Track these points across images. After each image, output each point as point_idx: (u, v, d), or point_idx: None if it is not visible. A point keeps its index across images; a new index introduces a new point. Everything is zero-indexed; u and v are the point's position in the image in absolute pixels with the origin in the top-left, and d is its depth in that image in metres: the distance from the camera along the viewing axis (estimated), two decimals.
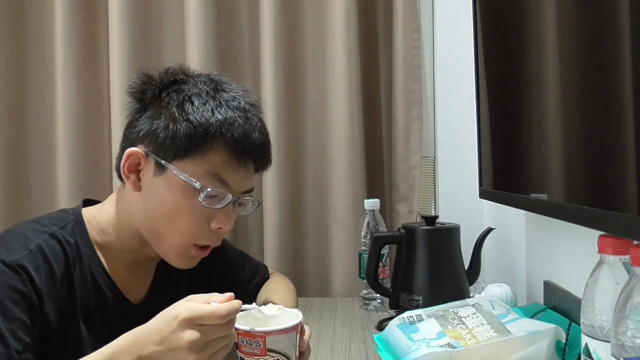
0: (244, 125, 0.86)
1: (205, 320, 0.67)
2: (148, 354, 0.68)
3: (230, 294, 0.71)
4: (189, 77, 0.89)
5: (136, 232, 0.88)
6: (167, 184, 0.84)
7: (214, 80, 0.90)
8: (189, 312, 0.67)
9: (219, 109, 0.85)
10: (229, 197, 0.85)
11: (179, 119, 0.83)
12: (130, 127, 0.89)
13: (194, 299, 0.70)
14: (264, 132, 0.92)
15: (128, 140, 0.88)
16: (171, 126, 0.83)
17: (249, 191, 0.91)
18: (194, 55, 1.51)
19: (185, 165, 0.83)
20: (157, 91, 0.87)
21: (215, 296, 0.71)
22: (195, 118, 0.83)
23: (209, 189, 0.83)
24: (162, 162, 0.84)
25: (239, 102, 0.87)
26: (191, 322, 0.67)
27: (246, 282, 1.14)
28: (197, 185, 0.83)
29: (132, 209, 0.88)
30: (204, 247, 0.89)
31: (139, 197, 0.87)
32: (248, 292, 1.11)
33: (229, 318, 0.69)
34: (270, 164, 0.95)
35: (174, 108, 0.84)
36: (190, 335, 0.67)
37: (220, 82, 0.90)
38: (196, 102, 0.84)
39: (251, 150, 0.87)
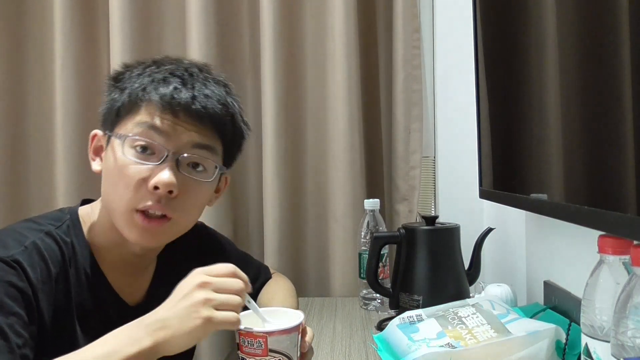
0: (176, 85, 0.82)
1: (215, 271, 0.71)
2: (156, 317, 0.70)
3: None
4: (158, 62, 0.88)
5: (112, 222, 0.86)
6: (112, 153, 0.84)
7: (176, 59, 0.89)
8: (200, 269, 0.72)
9: (154, 74, 0.84)
10: (164, 150, 0.81)
11: (115, 89, 0.86)
12: None
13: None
14: (214, 95, 0.85)
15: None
16: (110, 97, 0.86)
17: (200, 147, 0.83)
18: (195, 55, 1.51)
19: (120, 128, 0.84)
20: (119, 75, 0.89)
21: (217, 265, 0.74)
22: (127, 85, 0.85)
23: (130, 135, 0.81)
24: (107, 132, 0.85)
25: (177, 68, 0.85)
26: (201, 272, 0.71)
27: None
28: (119, 137, 0.82)
29: (102, 197, 0.87)
30: (147, 215, 0.82)
31: (102, 180, 0.87)
32: (251, 294, 1.11)
33: (236, 272, 0.73)
34: (238, 131, 0.90)
35: (112, 82, 0.87)
36: (200, 278, 0.70)
37: (181, 60, 0.89)
38: (135, 72, 0.86)
39: (181, 104, 0.81)
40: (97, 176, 0.89)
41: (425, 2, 1.62)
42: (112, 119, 0.85)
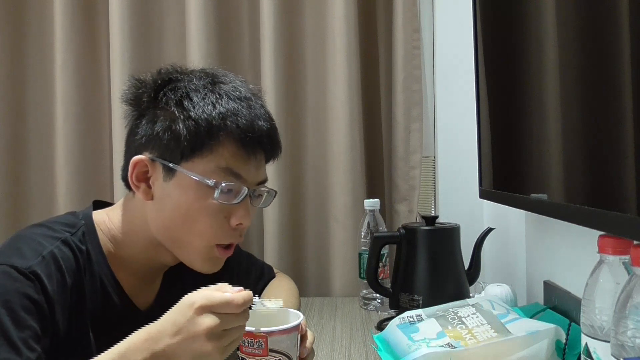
0: (248, 115, 0.83)
1: (222, 309, 0.66)
2: (163, 348, 0.66)
3: (239, 288, 0.70)
4: (183, 75, 0.87)
5: (153, 240, 0.86)
6: (179, 187, 0.82)
7: (210, 73, 0.87)
8: (205, 299, 0.66)
9: (219, 101, 0.82)
10: (245, 190, 0.83)
11: (180, 118, 0.80)
12: (131, 135, 0.86)
13: (206, 289, 0.69)
14: (269, 118, 0.88)
15: (131, 148, 0.86)
16: (173, 127, 0.81)
17: (263, 182, 0.89)
18: (195, 54, 1.51)
19: (195, 165, 0.81)
20: (153, 93, 0.84)
21: (225, 286, 0.70)
22: (196, 114, 0.80)
23: (223, 184, 0.81)
24: (170, 165, 0.81)
25: (239, 92, 0.85)
26: (207, 309, 0.66)
27: (252, 284, 1.12)
28: (211, 182, 0.80)
29: (148, 217, 0.85)
30: (227, 247, 0.86)
31: (153, 206, 0.84)
32: (254, 293, 1.11)
33: (245, 307, 0.68)
34: (280, 151, 0.92)
35: (173, 107, 0.81)
36: (208, 321, 0.65)
37: (216, 74, 0.87)
38: (195, 98, 0.82)
39: (259, 138, 0.84)
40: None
41: (425, 2, 1.62)
42: (178, 149, 0.81)
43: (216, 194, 0.81)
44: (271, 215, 1.52)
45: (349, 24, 1.50)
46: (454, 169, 1.58)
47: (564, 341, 0.82)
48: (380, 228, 1.34)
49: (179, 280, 0.95)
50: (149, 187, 0.84)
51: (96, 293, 0.84)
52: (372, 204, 1.36)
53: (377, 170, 1.63)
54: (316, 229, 1.56)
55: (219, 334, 0.66)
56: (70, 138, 1.59)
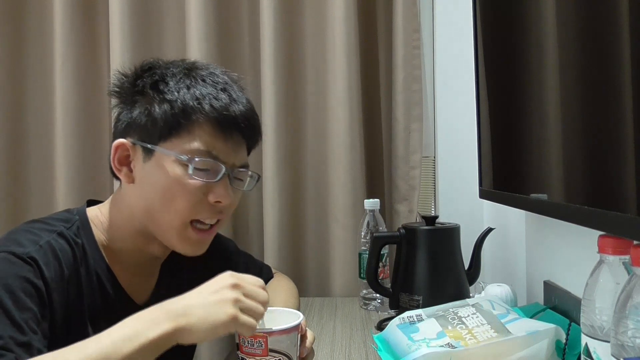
0: (224, 98, 0.86)
1: (247, 278, 0.73)
2: (181, 303, 0.70)
3: None
4: (162, 63, 0.90)
5: (140, 228, 0.88)
6: (157, 167, 0.84)
7: (188, 62, 0.91)
8: (232, 273, 0.73)
9: (194, 84, 0.85)
10: (222, 168, 0.85)
11: (156, 99, 0.84)
12: (115, 122, 0.91)
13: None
14: (247, 103, 0.90)
15: (115, 135, 0.90)
16: (149, 109, 0.84)
17: (245, 166, 0.91)
18: (194, 54, 1.51)
19: (173, 145, 0.84)
20: (132, 80, 0.89)
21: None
22: (172, 96, 0.84)
23: (196, 159, 0.83)
24: (149, 146, 0.84)
25: (215, 77, 0.88)
26: (234, 276, 0.72)
27: None
28: (184, 157, 0.83)
29: (132, 204, 0.88)
30: (204, 231, 0.88)
31: (134, 189, 0.87)
32: None
33: (264, 286, 0.75)
34: (260, 137, 0.94)
35: (149, 91, 0.85)
36: (233, 280, 0.71)
37: (195, 63, 0.91)
38: (170, 82, 0.85)
39: (234, 120, 0.86)
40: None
41: (425, 2, 1.62)
42: (156, 131, 0.84)
43: (190, 169, 0.83)
44: (271, 215, 1.52)
45: (349, 24, 1.50)
46: (454, 169, 1.58)
47: (564, 341, 0.82)
48: (380, 228, 1.34)
49: (177, 275, 0.96)
50: (130, 170, 0.87)
51: (93, 286, 0.85)
52: (372, 204, 1.36)
53: (377, 170, 1.63)
54: (316, 229, 1.56)
55: (241, 290, 0.71)
56: (70, 138, 1.59)
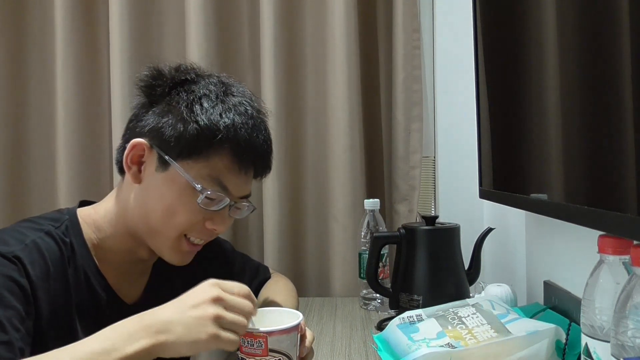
0: (250, 132, 0.87)
1: (230, 288, 0.72)
2: (160, 317, 0.69)
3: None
4: (199, 78, 0.90)
5: (131, 229, 0.89)
6: (168, 181, 0.85)
7: (224, 83, 0.91)
8: (214, 280, 0.72)
9: (227, 113, 0.85)
10: (227, 201, 0.87)
11: (187, 120, 0.84)
12: (135, 120, 0.89)
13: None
14: (268, 139, 0.92)
15: (133, 133, 0.89)
16: (179, 125, 0.84)
17: (247, 196, 0.92)
18: (194, 54, 1.51)
19: (188, 166, 0.84)
20: (167, 88, 0.88)
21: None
22: (203, 120, 0.84)
23: (208, 192, 0.84)
24: (167, 158, 0.84)
25: (246, 108, 0.88)
26: (216, 284, 0.72)
27: (246, 283, 1.12)
28: (198, 186, 0.84)
29: (129, 203, 0.88)
30: (196, 244, 0.91)
31: (138, 190, 0.87)
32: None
33: (251, 295, 0.74)
34: (269, 172, 0.95)
35: (183, 108, 0.85)
36: (215, 291, 0.70)
37: (230, 85, 0.91)
38: (205, 104, 0.85)
39: (254, 157, 0.88)
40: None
41: (425, 2, 1.62)
42: (177, 147, 0.84)
43: (199, 199, 0.84)
44: (271, 215, 1.52)
45: (349, 24, 1.50)
46: (454, 169, 1.58)
47: (564, 341, 0.82)
48: (380, 228, 1.34)
49: (169, 278, 0.96)
50: (140, 171, 0.87)
51: (80, 285, 0.85)
52: (372, 204, 1.36)
53: (377, 170, 1.63)
54: (316, 229, 1.56)
55: (222, 304, 0.69)
56: (71, 138, 1.59)
